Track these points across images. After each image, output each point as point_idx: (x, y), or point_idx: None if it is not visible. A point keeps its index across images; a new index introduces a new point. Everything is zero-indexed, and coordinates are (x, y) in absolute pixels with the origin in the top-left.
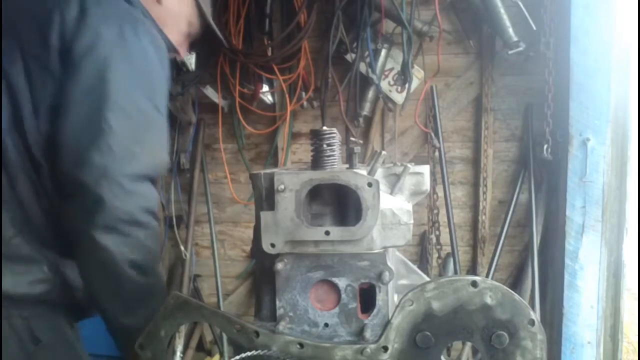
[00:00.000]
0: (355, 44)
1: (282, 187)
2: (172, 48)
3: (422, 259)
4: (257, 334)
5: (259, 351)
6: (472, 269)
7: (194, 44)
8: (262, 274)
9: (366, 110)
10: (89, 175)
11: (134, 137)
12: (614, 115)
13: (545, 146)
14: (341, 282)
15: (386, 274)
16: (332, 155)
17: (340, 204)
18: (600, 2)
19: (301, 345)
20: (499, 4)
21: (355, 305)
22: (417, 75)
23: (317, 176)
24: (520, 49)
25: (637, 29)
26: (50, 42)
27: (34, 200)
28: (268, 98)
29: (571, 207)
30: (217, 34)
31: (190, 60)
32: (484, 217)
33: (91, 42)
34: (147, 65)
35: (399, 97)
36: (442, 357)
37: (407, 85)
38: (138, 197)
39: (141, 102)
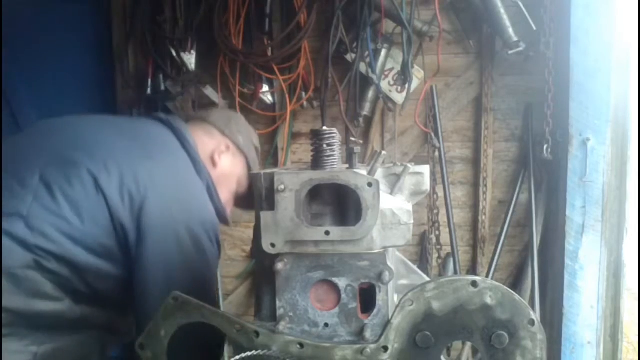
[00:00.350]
0: (355, 44)
1: (282, 187)
2: (222, 212)
3: (422, 259)
4: (257, 334)
5: (259, 351)
6: (472, 269)
7: (239, 202)
8: (262, 274)
9: (366, 110)
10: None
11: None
12: (614, 115)
13: (545, 146)
14: (341, 282)
15: (386, 274)
16: (332, 155)
17: (340, 204)
18: (600, 2)
19: (301, 345)
20: (499, 4)
21: (355, 305)
22: (417, 75)
23: (317, 176)
24: (520, 49)
25: (637, 29)
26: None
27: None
28: (268, 98)
29: (571, 207)
30: None
31: (190, 60)
32: (484, 217)
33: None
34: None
35: (399, 97)
36: (442, 357)
37: (407, 85)
38: None
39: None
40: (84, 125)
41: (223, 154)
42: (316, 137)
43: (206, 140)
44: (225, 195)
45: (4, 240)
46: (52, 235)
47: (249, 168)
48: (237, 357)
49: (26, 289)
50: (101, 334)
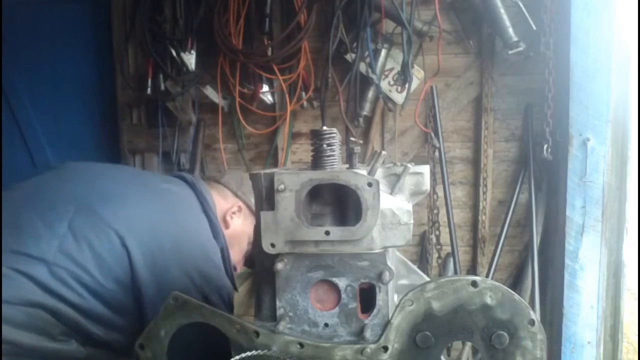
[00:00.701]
0: (355, 44)
1: (282, 187)
2: (232, 276)
3: (422, 259)
4: (257, 334)
5: (259, 351)
6: (472, 269)
7: (248, 262)
8: (262, 274)
9: (366, 110)
10: None
11: None
12: (614, 115)
13: (545, 146)
14: (341, 282)
15: (386, 274)
16: (332, 155)
17: (340, 204)
18: (600, 2)
19: (301, 345)
20: (499, 4)
21: (355, 305)
22: (417, 75)
23: (317, 176)
24: (520, 49)
25: (637, 29)
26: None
27: None
28: (268, 98)
29: (571, 207)
30: None
31: (190, 60)
32: (484, 217)
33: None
34: None
35: (399, 97)
36: (442, 357)
37: (407, 85)
38: None
39: None
40: (114, 176)
41: (235, 215)
42: (316, 137)
43: (220, 202)
44: (237, 254)
45: (24, 279)
46: (73, 285)
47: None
48: (237, 357)
49: (36, 327)
50: None
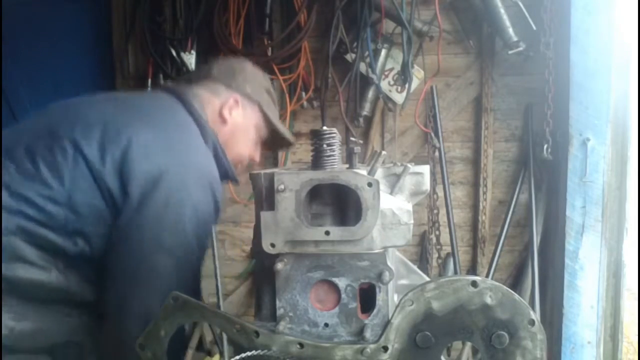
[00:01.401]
0: (355, 44)
1: (282, 187)
2: (231, 173)
3: (422, 259)
4: (257, 334)
5: (259, 351)
6: (472, 269)
7: (266, 145)
8: (262, 274)
9: (366, 110)
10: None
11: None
12: (614, 115)
13: (545, 146)
14: (341, 282)
15: (386, 274)
16: (332, 155)
17: (340, 204)
18: (600, 2)
19: (301, 345)
20: (499, 4)
21: (355, 305)
22: (417, 75)
23: (317, 176)
24: (520, 49)
25: (637, 29)
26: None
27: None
28: None
29: (571, 207)
30: (285, 136)
31: (190, 60)
32: (484, 217)
33: (152, 183)
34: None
35: (399, 97)
36: (442, 357)
37: (407, 85)
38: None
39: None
40: (84, 102)
41: (233, 109)
42: (316, 137)
43: (213, 99)
44: (246, 147)
45: None
46: (34, 198)
47: (264, 113)
48: (237, 357)
49: (7, 254)
50: (90, 319)
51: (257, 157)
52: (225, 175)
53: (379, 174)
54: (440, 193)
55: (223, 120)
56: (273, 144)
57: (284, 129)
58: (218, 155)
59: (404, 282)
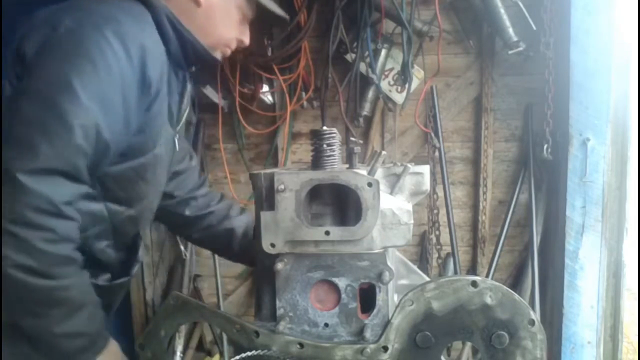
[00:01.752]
0: (355, 44)
1: (282, 187)
2: (204, 53)
3: (422, 259)
4: (257, 334)
5: (259, 351)
6: (472, 269)
7: (258, 25)
8: (262, 274)
9: (366, 110)
10: None
11: (40, 125)
12: (614, 115)
13: (545, 146)
14: (341, 282)
15: (386, 274)
16: (332, 155)
17: (340, 204)
18: (600, 2)
19: (301, 345)
20: (499, 4)
21: (355, 305)
22: (417, 75)
23: (317, 176)
24: (520, 49)
25: (637, 29)
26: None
27: None
28: (268, 98)
29: (571, 207)
30: (275, 12)
31: None
32: (484, 217)
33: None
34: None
35: (399, 97)
36: (442, 357)
37: (407, 85)
38: (33, 195)
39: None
40: None
41: None
42: (316, 137)
43: None
44: (229, 29)
45: None
46: None
47: None
48: (237, 357)
49: None
50: None
51: (246, 39)
52: (200, 56)
53: (379, 174)
54: (440, 193)
55: (196, 3)
56: (264, 22)
57: (272, 4)
58: (176, 29)
59: (404, 282)
